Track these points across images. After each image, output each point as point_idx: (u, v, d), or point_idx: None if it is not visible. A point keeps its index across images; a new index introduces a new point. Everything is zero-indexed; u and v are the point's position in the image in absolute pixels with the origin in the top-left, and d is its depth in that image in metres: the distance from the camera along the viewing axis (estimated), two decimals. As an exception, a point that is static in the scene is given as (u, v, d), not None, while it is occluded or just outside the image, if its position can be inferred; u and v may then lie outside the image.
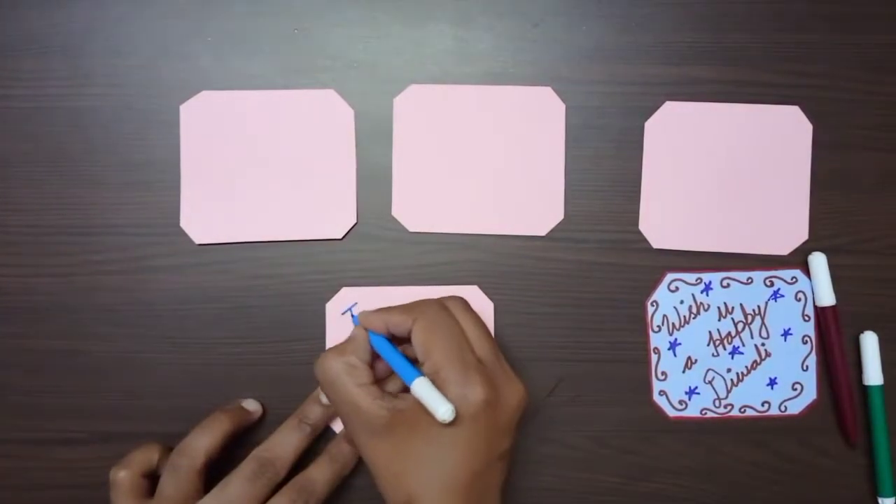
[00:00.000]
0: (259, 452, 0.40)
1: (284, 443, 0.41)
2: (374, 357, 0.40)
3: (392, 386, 0.41)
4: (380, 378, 0.40)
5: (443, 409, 0.36)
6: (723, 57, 0.46)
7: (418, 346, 0.39)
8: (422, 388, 0.37)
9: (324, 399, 0.43)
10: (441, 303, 0.40)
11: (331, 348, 0.40)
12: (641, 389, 0.46)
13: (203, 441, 0.40)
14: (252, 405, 0.44)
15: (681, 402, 0.46)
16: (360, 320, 0.41)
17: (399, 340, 0.41)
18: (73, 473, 0.45)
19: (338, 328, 0.45)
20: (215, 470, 0.41)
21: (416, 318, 0.39)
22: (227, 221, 0.45)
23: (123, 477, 0.40)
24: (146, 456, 0.41)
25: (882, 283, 0.46)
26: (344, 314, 0.45)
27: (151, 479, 0.41)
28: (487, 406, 0.37)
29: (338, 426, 0.44)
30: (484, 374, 0.38)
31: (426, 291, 0.45)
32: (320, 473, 0.41)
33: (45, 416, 0.45)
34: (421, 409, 0.37)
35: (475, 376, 0.37)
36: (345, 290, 0.45)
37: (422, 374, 0.38)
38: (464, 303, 0.41)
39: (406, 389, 0.41)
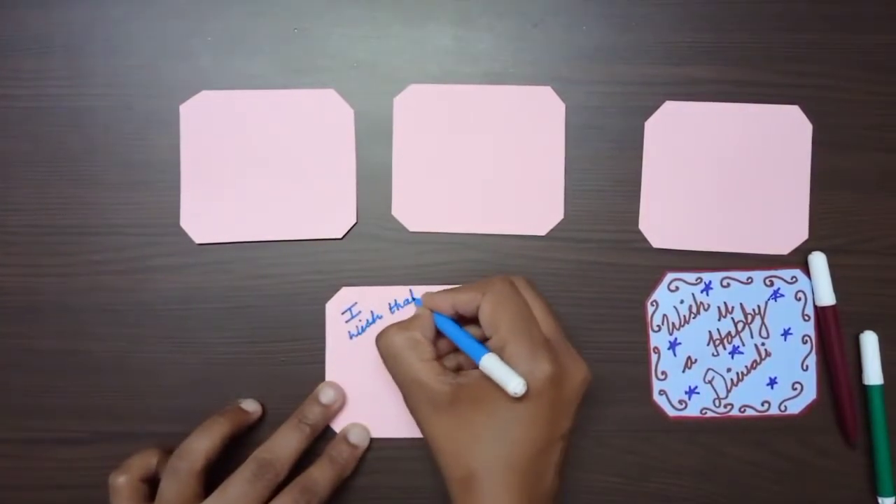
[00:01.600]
0: (259, 454, 0.40)
1: (284, 443, 0.41)
2: (437, 336, 0.41)
3: (449, 362, 0.41)
4: (440, 356, 0.40)
5: (514, 383, 0.35)
6: (723, 57, 0.46)
7: (486, 319, 0.39)
8: (491, 363, 0.37)
9: (323, 398, 0.43)
10: (508, 279, 0.40)
11: (393, 324, 0.40)
12: (641, 389, 0.46)
13: (202, 443, 0.40)
14: (251, 405, 0.44)
15: (681, 401, 0.46)
16: (425, 302, 0.41)
17: (463, 322, 0.41)
18: (73, 473, 0.45)
19: (338, 328, 0.45)
20: (216, 472, 0.41)
21: (485, 292, 0.39)
22: (227, 221, 0.45)
23: (123, 482, 0.40)
24: (145, 460, 0.41)
25: (882, 283, 0.46)
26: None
27: (151, 484, 0.41)
28: (553, 382, 0.37)
29: (338, 426, 0.44)
30: (551, 350, 0.38)
31: (426, 291, 0.45)
32: (322, 474, 0.41)
33: (45, 416, 0.45)
34: (485, 384, 0.37)
35: (542, 352, 0.37)
36: (345, 290, 0.45)
37: (489, 350, 0.38)
38: (530, 282, 0.41)
39: (462, 369, 0.41)
